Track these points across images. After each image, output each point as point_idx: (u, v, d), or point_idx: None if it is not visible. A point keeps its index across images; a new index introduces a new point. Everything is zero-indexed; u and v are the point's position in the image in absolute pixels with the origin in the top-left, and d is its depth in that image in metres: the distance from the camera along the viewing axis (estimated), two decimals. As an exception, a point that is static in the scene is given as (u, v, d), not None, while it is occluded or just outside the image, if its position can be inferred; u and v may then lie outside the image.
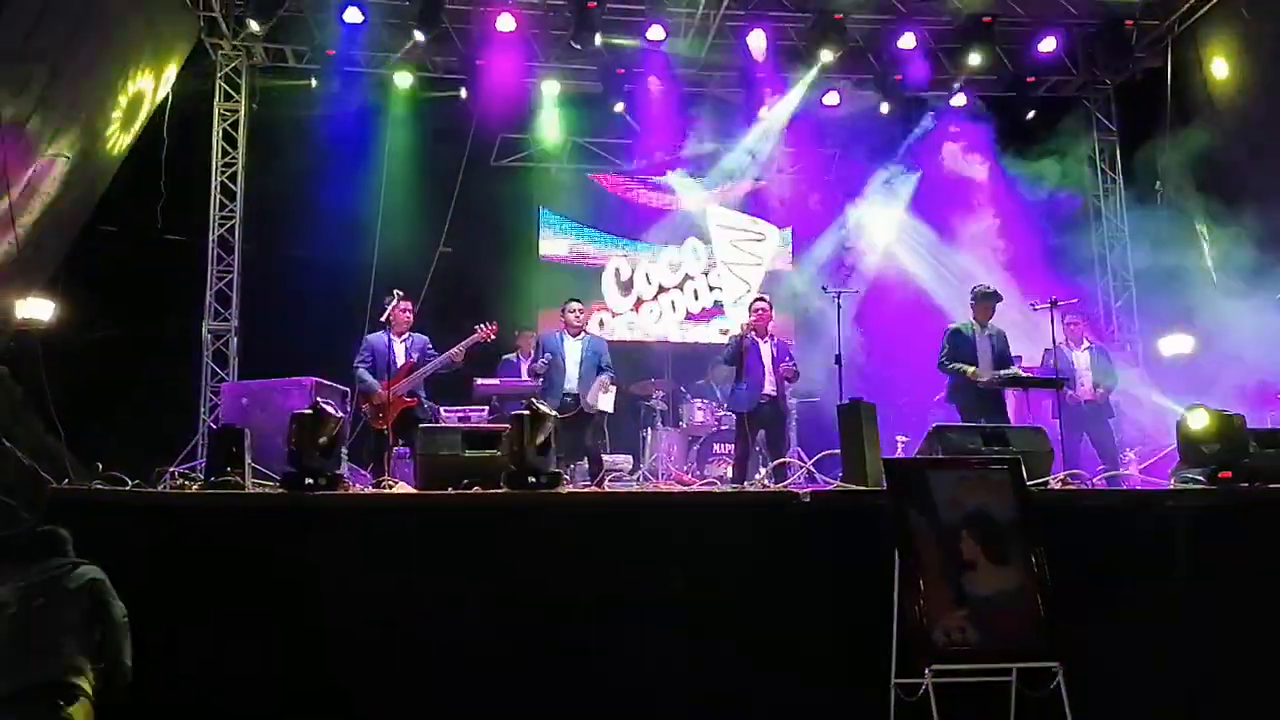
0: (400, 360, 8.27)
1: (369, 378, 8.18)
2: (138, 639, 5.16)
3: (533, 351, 9.88)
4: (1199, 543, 5.90)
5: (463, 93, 12.14)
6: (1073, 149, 12.67)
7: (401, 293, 8.49)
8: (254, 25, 11.27)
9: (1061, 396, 8.55)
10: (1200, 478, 6.29)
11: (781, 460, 7.63)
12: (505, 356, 10.14)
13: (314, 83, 12.00)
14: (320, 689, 5.38)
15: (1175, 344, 11.37)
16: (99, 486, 6.05)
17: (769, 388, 8.63)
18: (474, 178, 12.07)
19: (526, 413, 5.96)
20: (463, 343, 8.43)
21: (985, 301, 8.63)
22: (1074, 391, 9.01)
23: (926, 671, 4.95)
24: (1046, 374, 8.81)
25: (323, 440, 5.82)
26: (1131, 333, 12.45)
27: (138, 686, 4.97)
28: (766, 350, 8.73)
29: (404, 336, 8.42)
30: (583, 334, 8.89)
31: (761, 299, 9.13)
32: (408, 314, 8.46)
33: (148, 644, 5.21)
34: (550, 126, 12.90)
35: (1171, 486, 6.53)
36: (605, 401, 8.85)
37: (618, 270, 13.62)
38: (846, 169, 13.65)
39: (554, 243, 13.44)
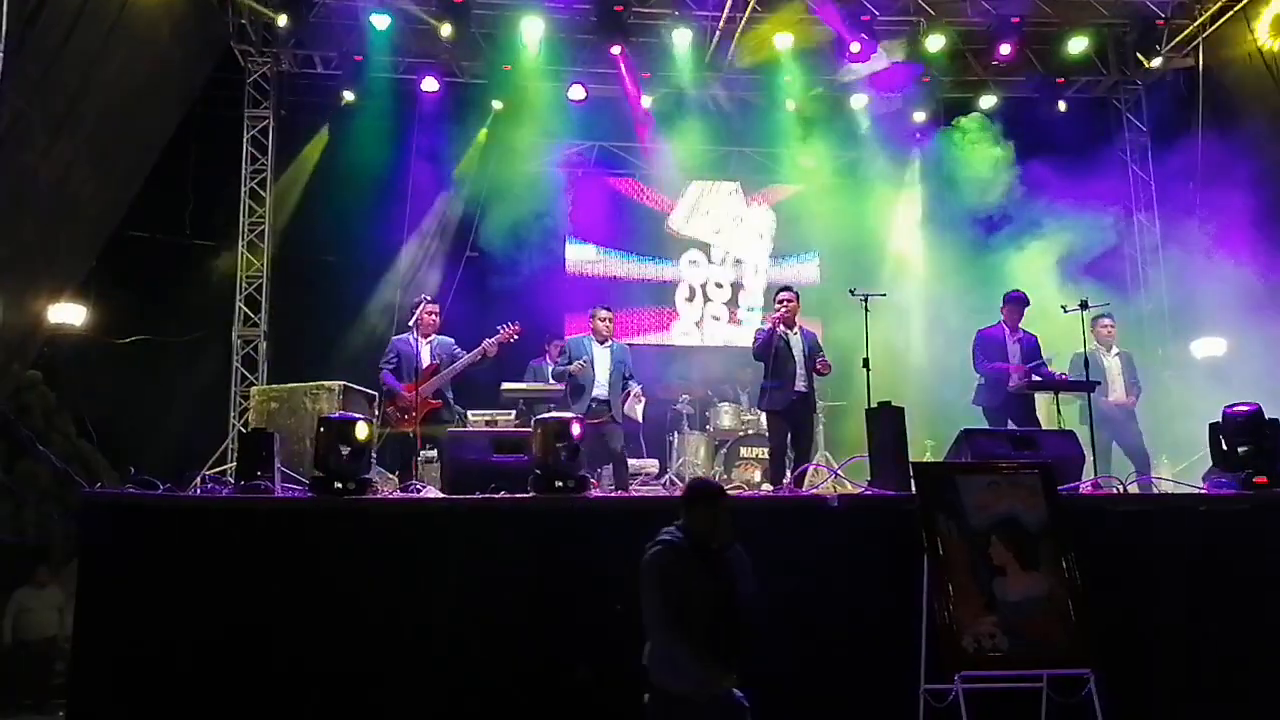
0: (426, 362, 8.27)
1: (392, 380, 8.21)
2: (167, 639, 5.23)
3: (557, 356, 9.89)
4: (1232, 548, 5.83)
5: (496, 104, 12.22)
6: (1103, 149, 12.49)
7: (429, 296, 8.53)
8: (282, 20, 11.36)
9: (1092, 400, 8.43)
10: (1233, 482, 6.21)
11: (806, 465, 7.54)
12: (532, 363, 10.14)
13: (342, 89, 12.08)
14: (340, 689, 5.41)
15: (1208, 347, 11.23)
16: (131, 490, 6.10)
17: (800, 384, 8.11)
18: (500, 183, 12.10)
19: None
20: (490, 339, 8.41)
21: (1016, 306, 8.59)
22: (1106, 396, 8.90)
23: (957, 679, 4.90)
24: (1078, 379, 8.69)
25: (351, 446, 5.85)
26: (1163, 335, 12.27)
27: (173, 681, 5.05)
28: (797, 342, 8.17)
29: (429, 339, 8.42)
30: (610, 341, 8.80)
31: (787, 289, 8.49)
32: (434, 316, 8.46)
33: (177, 644, 5.27)
34: (575, 130, 12.89)
35: (1204, 491, 6.45)
36: (638, 412, 8.79)
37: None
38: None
39: (580, 249, 13.32)
